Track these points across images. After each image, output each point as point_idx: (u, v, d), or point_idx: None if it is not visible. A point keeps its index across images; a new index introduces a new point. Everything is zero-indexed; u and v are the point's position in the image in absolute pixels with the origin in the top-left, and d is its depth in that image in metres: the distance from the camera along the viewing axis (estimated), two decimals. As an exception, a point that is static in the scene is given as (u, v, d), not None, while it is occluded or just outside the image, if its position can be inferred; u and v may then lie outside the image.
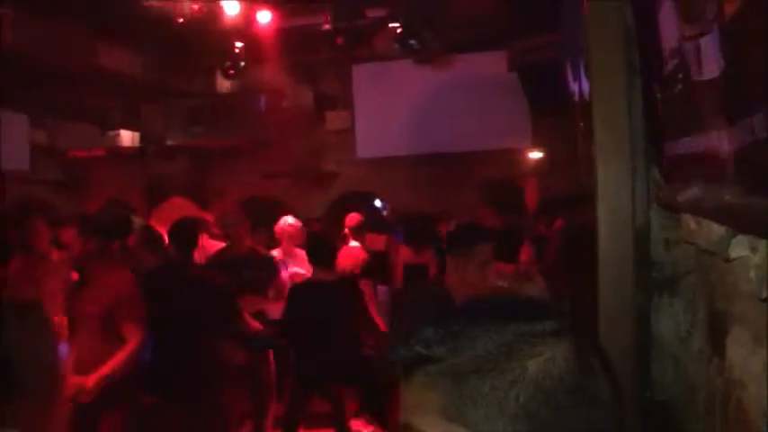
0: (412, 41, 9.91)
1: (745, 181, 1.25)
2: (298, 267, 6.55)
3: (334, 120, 13.63)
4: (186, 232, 5.41)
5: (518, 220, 9.11)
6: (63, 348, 4.32)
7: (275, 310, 5.93)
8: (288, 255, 6.84)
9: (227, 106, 13.61)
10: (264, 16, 9.73)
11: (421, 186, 12.62)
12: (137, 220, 6.76)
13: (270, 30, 10.06)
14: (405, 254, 7.09)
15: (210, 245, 6.80)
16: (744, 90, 1.22)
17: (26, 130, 12.28)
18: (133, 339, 4.53)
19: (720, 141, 1.36)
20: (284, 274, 6.38)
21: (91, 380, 4.33)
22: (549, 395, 0.76)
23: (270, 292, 6.14)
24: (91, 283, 4.68)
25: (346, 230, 7.68)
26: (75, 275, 5.23)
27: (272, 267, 6.32)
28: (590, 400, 0.77)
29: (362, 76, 12.95)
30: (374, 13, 10.17)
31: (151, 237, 5.97)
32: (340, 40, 10.00)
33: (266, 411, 6.11)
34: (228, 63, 10.64)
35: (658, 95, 1.92)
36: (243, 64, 10.62)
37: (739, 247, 1.44)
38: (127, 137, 13.60)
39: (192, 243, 5.37)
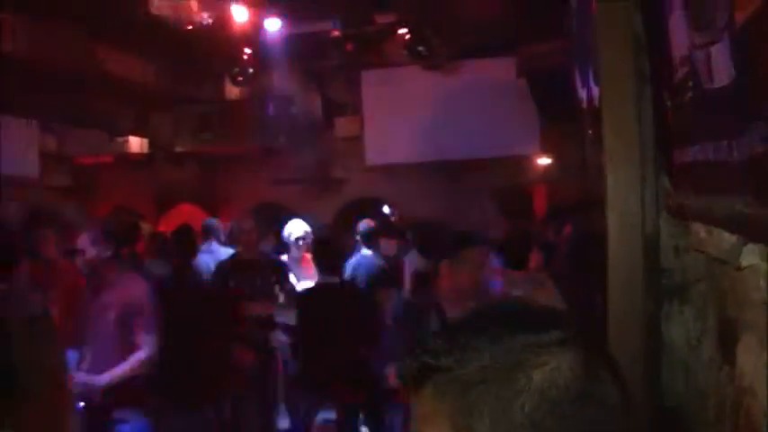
0: (421, 48, 9.96)
1: (755, 190, 1.25)
2: (306, 274, 6.56)
3: (342, 126, 13.60)
4: (186, 239, 5.44)
5: (527, 226, 9.08)
6: (71, 356, 4.35)
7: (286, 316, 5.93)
8: (297, 261, 6.86)
9: (235, 113, 13.58)
10: (273, 23, 9.76)
11: (429, 193, 12.60)
12: (145, 227, 6.79)
13: (278, 36, 10.09)
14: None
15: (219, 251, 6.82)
16: (754, 98, 1.22)
17: (35, 136, 12.29)
18: (147, 346, 4.57)
19: (730, 150, 1.36)
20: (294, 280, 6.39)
21: (102, 379, 4.39)
22: (555, 404, 0.77)
23: (280, 297, 6.15)
24: (105, 288, 4.70)
25: (357, 237, 7.68)
26: (83, 281, 5.25)
27: (282, 273, 6.34)
28: (596, 405, 0.78)
29: (371, 82, 12.92)
30: (383, 19, 10.20)
31: (160, 244, 6.00)
32: (349, 47, 10.06)
33: (273, 415, 6.12)
34: (237, 70, 10.69)
35: (668, 103, 1.92)
36: (251, 71, 10.66)
37: (750, 256, 1.44)
38: (136, 143, 13.60)
39: (192, 249, 5.40)
